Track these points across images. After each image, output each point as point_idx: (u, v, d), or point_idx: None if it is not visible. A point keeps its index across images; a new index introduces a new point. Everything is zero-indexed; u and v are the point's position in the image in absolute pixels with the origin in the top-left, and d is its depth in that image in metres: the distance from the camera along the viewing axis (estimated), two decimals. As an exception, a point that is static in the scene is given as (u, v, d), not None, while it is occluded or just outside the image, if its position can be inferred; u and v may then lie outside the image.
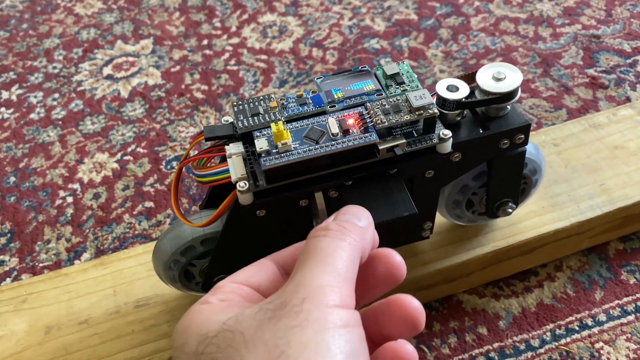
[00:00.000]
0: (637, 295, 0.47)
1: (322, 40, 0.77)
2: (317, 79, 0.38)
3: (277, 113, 0.36)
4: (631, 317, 0.46)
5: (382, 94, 0.37)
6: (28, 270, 0.54)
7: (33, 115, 0.70)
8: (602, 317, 0.46)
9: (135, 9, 0.86)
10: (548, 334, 0.45)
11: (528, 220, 0.47)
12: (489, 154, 0.38)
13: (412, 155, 0.35)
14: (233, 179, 0.34)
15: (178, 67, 0.75)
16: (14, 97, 0.73)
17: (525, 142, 0.38)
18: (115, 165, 0.63)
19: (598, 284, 0.48)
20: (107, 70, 0.76)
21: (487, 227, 0.47)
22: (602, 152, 0.51)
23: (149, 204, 0.58)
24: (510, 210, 0.42)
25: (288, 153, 0.33)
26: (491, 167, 0.39)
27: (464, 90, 0.36)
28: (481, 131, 0.37)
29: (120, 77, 0.74)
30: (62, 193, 0.61)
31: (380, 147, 0.34)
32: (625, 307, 0.46)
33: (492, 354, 0.45)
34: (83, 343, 0.43)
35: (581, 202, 0.48)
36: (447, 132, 0.35)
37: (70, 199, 0.60)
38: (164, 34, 0.81)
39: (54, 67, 0.77)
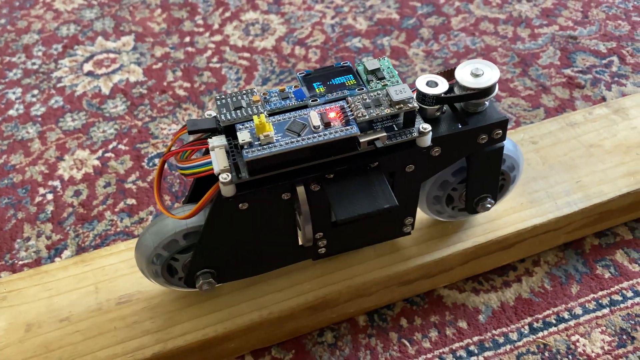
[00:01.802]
0: (612, 289, 0.48)
1: (305, 38, 0.77)
2: (299, 74, 0.38)
3: (259, 107, 0.36)
4: (606, 311, 0.47)
5: (363, 89, 0.37)
6: (7, 268, 0.53)
7: (11, 112, 0.70)
8: (578, 311, 0.47)
9: (115, 5, 0.86)
10: (526, 327, 0.46)
11: (507, 217, 0.48)
12: (468, 149, 0.39)
13: (393, 148, 0.36)
14: (216, 170, 0.34)
15: (160, 64, 0.75)
16: (-9, 93, 0.72)
17: (503, 137, 0.39)
18: (97, 163, 0.62)
19: (574, 279, 0.49)
20: (87, 67, 0.75)
21: (467, 223, 0.48)
22: (579, 150, 0.52)
23: (131, 201, 0.58)
24: (489, 205, 0.43)
25: (270, 145, 0.34)
26: (470, 163, 0.40)
27: (443, 86, 0.37)
28: (460, 126, 0.38)
29: (101, 73, 0.74)
30: (42, 190, 0.60)
31: (361, 140, 0.35)
32: (600, 301, 0.48)
33: (472, 348, 0.46)
34: (64, 340, 0.42)
35: (558, 199, 0.49)
36: (427, 126, 0.36)
37: (50, 196, 0.59)
38: (146, 30, 0.81)
39: (33, 63, 0.76)
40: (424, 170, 0.39)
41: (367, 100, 0.35)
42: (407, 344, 0.46)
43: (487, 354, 0.45)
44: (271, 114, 0.36)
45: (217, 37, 0.79)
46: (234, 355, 0.45)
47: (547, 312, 0.47)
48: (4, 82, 0.74)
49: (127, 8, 0.85)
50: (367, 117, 0.35)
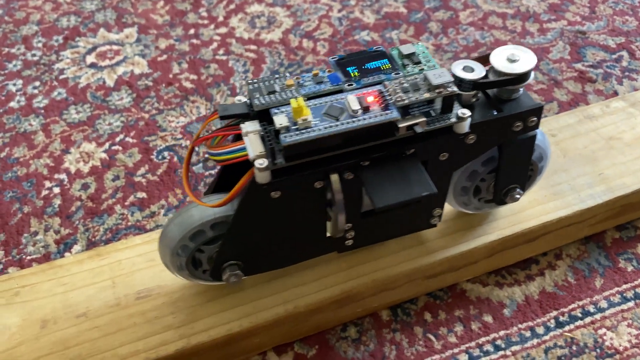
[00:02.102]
0: (636, 282, 0.48)
1: (312, 31, 0.76)
2: (331, 58, 0.37)
3: (293, 91, 0.35)
4: (631, 304, 0.47)
5: (399, 73, 0.36)
6: (15, 264, 0.51)
7: (13, 104, 0.67)
8: (603, 304, 0.47)
9: (117, -4, 0.84)
10: (552, 321, 0.46)
11: (531, 209, 0.47)
12: (502, 137, 0.38)
13: (430, 134, 0.35)
14: (251, 156, 0.33)
15: (165, 56, 0.73)
16: (-9, 85, 0.70)
17: (537, 125, 0.38)
18: (104, 155, 0.61)
19: (597, 272, 0.49)
20: (90, 59, 0.73)
21: (491, 215, 0.47)
22: (598, 142, 0.52)
23: (141, 195, 0.57)
24: (518, 196, 0.43)
25: (309, 129, 0.32)
26: (502, 152, 0.40)
27: (479, 71, 0.36)
28: (495, 113, 0.37)
29: (104, 65, 0.72)
30: (48, 183, 0.58)
31: (400, 125, 0.34)
32: (624, 294, 0.47)
33: (499, 342, 0.45)
34: (82, 337, 0.41)
35: (581, 191, 0.48)
36: (466, 111, 0.35)
37: (57, 190, 0.57)
38: (149, 22, 0.79)
39: (33, 55, 0.74)
40: (457, 159, 0.38)
41: (405, 85, 0.34)
42: (433, 338, 0.45)
43: (515, 348, 0.44)
44: (306, 98, 0.35)
45: (223, 30, 0.77)
46: (257, 351, 0.44)
47: (572, 305, 0.47)
48: (3, 73, 0.72)
49: (129, 0, 0.83)
50: (406, 101, 0.34)
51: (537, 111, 0.37)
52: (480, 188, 0.43)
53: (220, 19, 0.79)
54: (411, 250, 0.45)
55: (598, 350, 0.44)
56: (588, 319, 0.46)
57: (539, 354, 0.44)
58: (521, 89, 0.38)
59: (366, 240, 0.42)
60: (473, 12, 0.78)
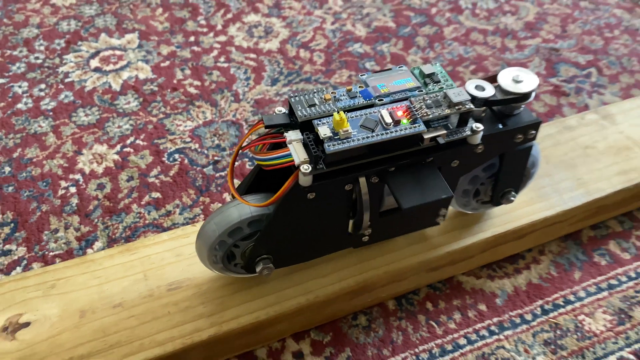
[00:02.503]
0: (609, 274, 0.54)
1: (308, 42, 0.81)
2: (361, 75, 0.42)
3: (331, 104, 0.39)
4: (605, 293, 0.53)
5: (422, 91, 0.41)
6: (38, 259, 0.54)
7: (20, 106, 0.69)
8: (582, 294, 0.53)
9: (115, 2, 0.86)
10: (539, 309, 0.52)
11: (520, 209, 0.53)
12: (505, 147, 0.44)
13: (448, 145, 0.40)
14: (296, 162, 0.37)
15: (168, 62, 0.76)
16: (-4, 87, 0.72)
17: (534, 137, 0.44)
18: (116, 157, 0.63)
19: (576, 266, 0.55)
20: (94, 63, 0.75)
21: (486, 215, 0.52)
22: (576, 150, 0.58)
23: (156, 195, 0.60)
24: (512, 198, 0.48)
25: (349, 139, 0.37)
26: (503, 160, 0.45)
27: (489, 90, 0.41)
28: (500, 126, 0.42)
29: (109, 70, 0.74)
30: (63, 183, 0.60)
31: (425, 137, 0.38)
32: (599, 285, 0.54)
33: (492, 328, 0.50)
34: (120, 325, 0.44)
35: (563, 194, 0.54)
36: (479, 125, 0.40)
37: (73, 189, 0.60)
38: (149, 29, 0.82)
39: (36, 58, 0.76)
40: (466, 166, 0.43)
41: (428, 101, 0.39)
42: (435, 325, 0.50)
43: (507, 333, 0.50)
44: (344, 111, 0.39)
45: (222, 38, 0.81)
46: (278, 337, 0.48)
47: (556, 295, 0.53)
48: (7, 75, 0.73)
49: (128, 6, 0.86)
50: (430, 116, 0.38)
51: (536, 125, 0.43)
52: (479, 191, 0.48)
53: (219, 27, 0.83)
54: (416, 246, 0.50)
55: (578, 333, 0.50)
56: (569, 307, 0.52)
57: (528, 338, 0.50)
58: (522, 106, 0.43)
59: (380, 236, 0.47)
60: (456, 28, 0.84)
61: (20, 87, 0.72)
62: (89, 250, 0.55)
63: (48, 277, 0.47)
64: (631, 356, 0.48)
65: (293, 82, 0.74)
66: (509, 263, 0.55)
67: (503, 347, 0.49)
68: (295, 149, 0.37)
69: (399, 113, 0.38)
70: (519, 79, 0.42)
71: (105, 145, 0.65)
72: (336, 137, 0.37)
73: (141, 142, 0.65)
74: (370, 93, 0.40)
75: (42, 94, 0.71)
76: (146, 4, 0.86)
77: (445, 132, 0.39)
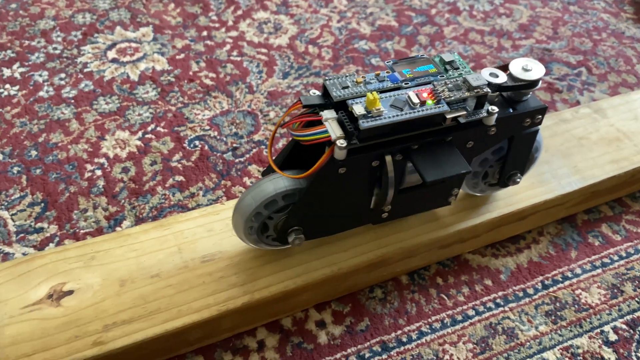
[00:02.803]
0: (602, 254, 0.59)
1: (316, 38, 0.84)
2: (387, 62, 0.46)
3: (362, 86, 0.43)
4: (599, 270, 0.58)
5: (443, 76, 0.45)
6: (70, 237, 0.57)
7: (42, 93, 0.72)
8: (578, 271, 0.57)
9: (128, -3, 0.89)
10: (539, 284, 0.56)
11: (523, 193, 0.57)
12: (514, 130, 0.48)
13: (467, 125, 0.44)
14: (333, 137, 0.41)
15: (183, 55, 0.79)
16: (17, 75, 0.74)
17: (541, 122, 0.48)
18: (139, 143, 0.66)
19: (572, 246, 0.60)
20: (111, 54, 0.78)
21: (492, 197, 0.57)
22: (572, 141, 0.63)
23: (179, 178, 0.63)
24: (518, 180, 0.53)
25: (380, 117, 0.41)
26: (511, 143, 0.49)
27: (502, 77, 0.45)
28: (511, 111, 0.47)
29: (126, 61, 0.77)
30: (89, 167, 0.63)
31: (448, 116, 0.42)
32: (594, 263, 0.58)
33: (498, 300, 0.54)
34: (159, 293, 0.47)
35: (561, 180, 0.59)
36: (495, 108, 0.44)
37: (99, 172, 0.63)
38: (163, 23, 0.85)
39: (55, 48, 0.78)
40: (479, 147, 0.47)
41: (450, 85, 0.43)
42: (446, 298, 0.54)
43: (511, 305, 0.54)
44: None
45: (234, 33, 0.84)
46: (303, 307, 0.52)
47: (554, 272, 0.57)
48: (27, 64, 0.76)
49: (140, 1, 0.89)
50: (452, 97, 0.43)
51: (543, 110, 0.47)
52: (487, 173, 0.52)
53: (230, 23, 0.86)
54: (428, 225, 0.54)
55: (576, 306, 0.54)
56: (567, 282, 0.56)
57: (530, 310, 0.54)
58: (530, 93, 0.48)
59: (398, 214, 0.50)
60: (455, 28, 0.89)
61: (40, 75, 0.74)
62: (118, 228, 0.57)
63: (87, 250, 0.49)
64: (624, 326, 0.53)
65: (303, 75, 0.78)
66: (511, 243, 0.59)
67: (508, 318, 0.53)
68: (332, 126, 0.41)
69: (424, 95, 0.42)
70: (528, 68, 0.46)
71: (127, 132, 0.68)
72: (369, 115, 0.40)
73: (162, 129, 0.68)
74: (397, 77, 0.44)
75: (63, 82, 0.73)
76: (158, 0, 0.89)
77: (465, 112, 0.43)
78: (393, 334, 0.51)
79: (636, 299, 0.55)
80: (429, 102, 0.42)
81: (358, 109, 0.40)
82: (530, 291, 0.55)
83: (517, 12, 0.94)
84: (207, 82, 0.75)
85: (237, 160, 0.65)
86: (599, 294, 0.56)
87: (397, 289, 0.55)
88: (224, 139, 0.68)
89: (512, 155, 0.50)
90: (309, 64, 0.80)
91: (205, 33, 0.84)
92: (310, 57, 0.81)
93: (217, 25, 0.85)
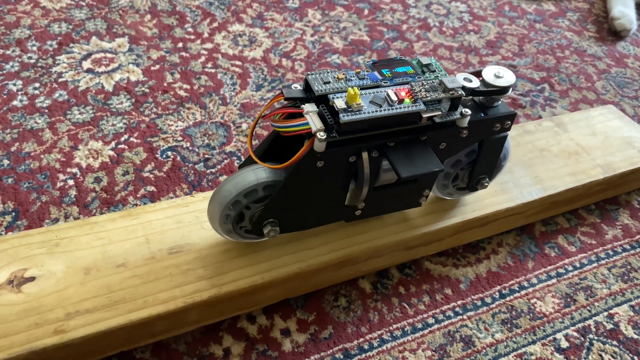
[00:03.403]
0: (557, 264, 0.62)
1: (290, 52, 0.87)
2: (367, 62, 0.48)
3: (342, 82, 0.45)
4: (554, 280, 0.60)
5: (420, 77, 0.47)
6: (41, 245, 0.57)
7: (15, 103, 0.72)
8: (534, 281, 0.60)
9: (105, 7, 0.90)
10: (497, 293, 0.58)
11: (485, 200, 0.60)
12: (484, 134, 0.50)
13: (441, 125, 0.46)
14: (313, 129, 0.42)
15: (158, 66, 0.81)
16: (-9, 84, 0.75)
17: (510, 127, 0.51)
18: (112, 153, 0.67)
19: (529, 257, 0.62)
20: (86, 64, 0.79)
21: (457, 202, 0.59)
22: (534, 152, 0.66)
23: (151, 188, 0.64)
24: (486, 184, 0.55)
25: (360, 112, 0.42)
26: (481, 147, 0.52)
27: (476, 82, 0.48)
28: (482, 115, 0.49)
29: (101, 71, 0.79)
30: (61, 176, 0.64)
31: (424, 115, 0.44)
32: (549, 273, 0.61)
33: (457, 309, 0.57)
34: (124, 283, 0.47)
35: (522, 189, 0.61)
36: (468, 110, 0.47)
37: (71, 182, 0.64)
38: (139, 34, 0.86)
39: (29, 57, 0.79)
40: (451, 149, 0.49)
41: (427, 86, 0.46)
42: (407, 306, 0.56)
43: (469, 313, 0.56)
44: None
45: (209, 45, 0.86)
46: (266, 303, 0.53)
47: (512, 281, 0.60)
48: (1, 73, 0.76)
49: (117, 11, 0.90)
50: (429, 98, 0.45)
51: (512, 117, 0.50)
52: (458, 176, 0.55)
53: (206, 35, 0.88)
54: (395, 226, 0.56)
55: (531, 314, 0.57)
56: (523, 292, 0.59)
57: (488, 318, 0.56)
58: (500, 99, 0.50)
59: (371, 212, 0.52)
60: (425, 44, 0.92)
61: (14, 85, 0.75)
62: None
63: (51, 236, 0.50)
64: (575, 333, 0.56)
65: (276, 88, 0.80)
66: (471, 253, 0.62)
67: (466, 326, 0.55)
68: (312, 119, 0.43)
69: (402, 93, 0.44)
70: (500, 75, 0.49)
71: (101, 142, 0.69)
72: (349, 109, 0.42)
73: (135, 140, 0.69)
74: (376, 76, 0.46)
75: (37, 92, 0.74)
76: (135, 10, 0.90)
77: (440, 112, 0.45)
78: (355, 342, 0.53)
79: (588, 307, 0.58)
80: (407, 100, 0.44)
81: (339, 102, 0.42)
82: (488, 300, 0.58)
83: (485, 29, 0.97)
84: (181, 93, 0.77)
85: (208, 171, 0.67)
86: (553, 302, 0.58)
87: (361, 297, 0.57)
88: (197, 149, 0.69)
89: (481, 160, 0.53)
90: (282, 77, 0.82)
91: (180, 44, 0.85)
92: (284, 70, 0.83)
93: (192, 37, 0.87)
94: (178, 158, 0.68)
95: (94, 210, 0.61)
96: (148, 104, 0.75)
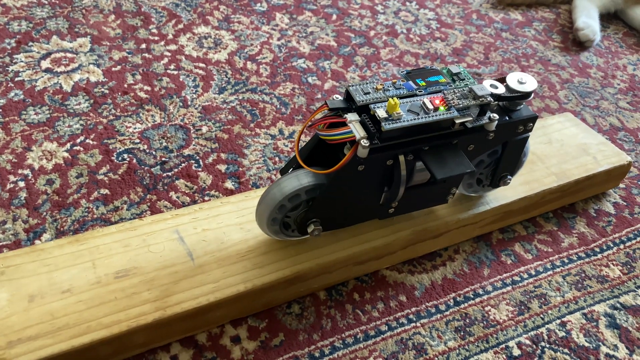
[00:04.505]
0: (513, 272, 0.62)
1: (255, 55, 0.86)
2: (401, 72, 0.51)
3: (382, 92, 0.47)
4: (509, 288, 0.60)
5: (452, 86, 0.49)
6: (-14, 249, 0.56)
7: (-31, 101, 0.71)
8: (489, 288, 0.60)
9: (67, 6, 0.88)
10: (451, 300, 0.58)
11: (438, 211, 0.60)
12: (508, 136, 0.53)
13: (471, 130, 0.49)
14: (357, 137, 0.45)
15: (119, 67, 0.79)
16: (-57, 82, 0.73)
17: (531, 129, 0.53)
18: (66, 155, 0.66)
19: (485, 264, 0.62)
20: (45, 64, 0.78)
21: (409, 215, 0.59)
22: (489, 163, 0.66)
23: (105, 191, 0.63)
24: (508, 181, 0.58)
25: (400, 120, 0.45)
26: (505, 147, 0.54)
27: (501, 88, 0.51)
28: (507, 118, 0.51)
29: (60, 71, 0.77)
30: (12, 178, 0.63)
31: (457, 121, 0.47)
32: (505, 281, 0.61)
33: (411, 316, 0.57)
34: (69, 309, 0.47)
35: (475, 200, 0.62)
36: (495, 115, 0.49)
37: (22, 184, 0.62)
38: (101, 34, 0.85)
39: (-14, 56, 0.77)
40: (478, 150, 0.52)
41: (458, 94, 0.48)
42: (360, 313, 0.56)
43: (423, 321, 0.56)
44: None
45: (172, 47, 0.85)
46: (218, 323, 0.52)
47: (467, 289, 0.60)
48: (-44, 71, 0.74)
49: (80, 11, 0.88)
50: (461, 105, 0.47)
51: (534, 119, 0.53)
52: (482, 174, 0.57)
53: (170, 36, 0.87)
54: (345, 242, 0.56)
55: (484, 322, 0.57)
56: (478, 299, 0.59)
57: (441, 325, 0.56)
58: (523, 103, 0.52)
59: (403, 210, 0.55)
60: (391, 51, 0.92)
61: (-32, 83, 0.73)
62: (37, 242, 0.57)
63: None
64: (527, 341, 0.56)
65: (240, 91, 0.79)
66: (427, 260, 0.62)
67: (419, 333, 0.55)
68: (355, 127, 0.45)
69: (437, 101, 0.47)
70: (523, 81, 0.51)
71: (55, 143, 0.67)
72: (390, 118, 0.45)
73: (91, 142, 0.68)
74: (412, 85, 0.49)
75: (-8, 91, 0.72)
76: (99, 10, 0.89)
77: (471, 118, 0.47)
78: (306, 349, 0.52)
79: (541, 315, 0.58)
80: (441, 108, 0.46)
81: (380, 112, 0.45)
82: (443, 307, 0.58)
83: (452, 36, 0.98)
84: (142, 95, 0.76)
85: (164, 174, 0.66)
86: (507, 310, 0.58)
87: (315, 304, 0.56)
88: (154, 152, 0.68)
89: (504, 159, 0.55)
90: (246, 80, 0.81)
91: (144, 46, 0.84)
92: (248, 73, 0.82)
93: (156, 38, 0.86)
94: (134, 161, 0.67)
95: (44, 213, 0.60)
96: (107, 105, 0.73)
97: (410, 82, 0.49)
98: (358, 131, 0.45)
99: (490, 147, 0.53)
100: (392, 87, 0.48)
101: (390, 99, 0.45)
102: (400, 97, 0.47)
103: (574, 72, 0.94)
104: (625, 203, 0.72)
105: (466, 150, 0.51)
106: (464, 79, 0.51)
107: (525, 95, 0.51)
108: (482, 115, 0.49)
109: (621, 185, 0.74)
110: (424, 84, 0.49)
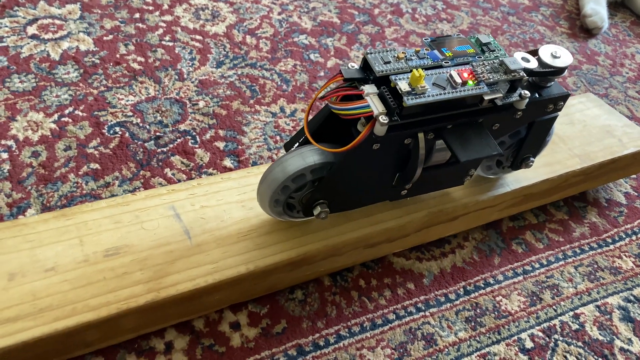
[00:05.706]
0: (524, 261, 0.59)
1: (255, 29, 0.82)
2: (425, 39, 0.45)
3: (404, 62, 0.41)
4: (520, 278, 0.58)
5: (481, 57, 0.44)
6: (-35, 223, 0.52)
7: (-52, 66, 0.66)
8: (500, 277, 0.57)
9: (56, -29, 0.83)
10: (461, 289, 0.56)
11: (455, 193, 0.56)
12: (536, 115, 0.48)
13: (500, 108, 0.44)
14: (375, 113, 0.39)
15: (111, 37, 0.75)
16: None
17: (561, 108, 0.48)
18: (53, 126, 0.62)
19: (496, 252, 0.60)
20: (31, 30, 0.73)
21: (423, 196, 0.55)
22: (504, 146, 0.63)
23: (95, 166, 0.59)
24: (531, 163, 0.53)
25: (425, 94, 0.39)
26: (531, 127, 0.49)
27: (533, 62, 0.45)
28: (537, 96, 0.47)
29: (47, 38, 0.72)
30: (-6, 148, 0.58)
31: (486, 98, 0.41)
32: (516, 270, 0.58)
33: (420, 305, 0.54)
34: (52, 289, 0.43)
35: (494, 181, 0.58)
36: (527, 92, 0.44)
37: (5, 155, 0.58)
38: (92, 1, 0.80)
39: (-33, 19, 0.72)
40: (504, 129, 0.47)
41: (488, 67, 0.43)
42: (367, 301, 0.53)
43: (432, 310, 0.53)
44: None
45: (168, 17, 0.80)
46: (216, 308, 0.49)
47: (477, 278, 0.57)
48: None
49: (69, -24, 0.83)
50: (491, 80, 0.42)
51: (565, 97, 0.48)
52: (502, 156, 0.52)
53: (165, 6, 0.82)
54: (356, 222, 0.52)
55: (496, 312, 0.54)
56: (489, 289, 0.56)
57: (451, 315, 0.53)
58: (555, 79, 0.47)
59: (417, 191, 0.50)
60: (397, 30, 0.88)
61: (-52, 47, 0.68)
62: (21, 217, 0.53)
63: None
64: (540, 333, 0.53)
65: (238, 66, 0.75)
66: (435, 247, 0.59)
67: (428, 323, 0.52)
68: (373, 101, 0.40)
69: (465, 75, 0.41)
70: (557, 55, 0.46)
71: (42, 114, 0.63)
72: (413, 92, 0.39)
73: (80, 113, 0.64)
74: (437, 55, 0.43)
75: (-27, 56, 0.68)
76: (89, -24, 0.84)
77: (501, 95, 0.42)
78: (310, 337, 0.49)
79: (553, 306, 0.56)
80: (470, 82, 0.41)
81: (403, 85, 0.39)
82: (452, 296, 0.55)
83: (458, 18, 0.94)
84: (135, 66, 0.71)
85: (159, 150, 0.62)
86: (518, 301, 0.56)
87: (318, 290, 0.53)
88: (147, 126, 0.64)
89: (529, 140, 0.50)
90: (245, 55, 0.77)
91: (137, 15, 0.79)
92: (247, 48, 0.78)
93: (151, 7, 0.81)
94: (127, 135, 0.62)
95: (29, 187, 0.55)
96: (97, 75, 0.69)
97: (436, 52, 0.44)
98: (377, 106, 0.40)
99: (516, 127, 0.49)
100: (415, 56, 0.43)
101: (414, 70, 0.39)
102: (425, 68, 0.42)
103: (582, 59, 0.91)
104: (636, 193, 0.69)
105: (491, 130, 0.46)
106: (494, 50, 0.45)
107: (559, 70, 0.47)
108: (513, 91, 0.44)
109: (632, 175, 0.71)
110: (450, 54, 0.44)
